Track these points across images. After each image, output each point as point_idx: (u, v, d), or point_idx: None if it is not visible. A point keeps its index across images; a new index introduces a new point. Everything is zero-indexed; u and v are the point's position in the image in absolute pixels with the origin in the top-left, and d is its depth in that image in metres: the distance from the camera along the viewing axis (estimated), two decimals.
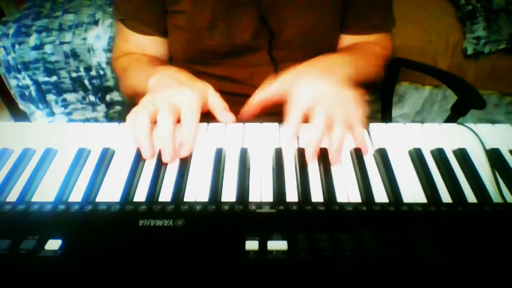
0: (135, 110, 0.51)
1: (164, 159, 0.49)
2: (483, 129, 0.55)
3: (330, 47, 0.76)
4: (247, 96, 0.75)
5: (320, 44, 0.74)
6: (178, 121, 0.51)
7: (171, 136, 0.49)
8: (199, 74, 0.74)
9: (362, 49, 0.73)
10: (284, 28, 0.68)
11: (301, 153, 0.50)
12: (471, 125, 0.55)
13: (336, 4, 0.70)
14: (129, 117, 0.51)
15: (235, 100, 0.76)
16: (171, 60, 0.79)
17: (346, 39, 0.76)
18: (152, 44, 0.74)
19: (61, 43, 1.34)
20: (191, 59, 0.74)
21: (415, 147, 0.51)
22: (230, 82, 0.75)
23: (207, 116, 0.56)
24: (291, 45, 0.71)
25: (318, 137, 0.49)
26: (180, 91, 0.52)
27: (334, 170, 0.48)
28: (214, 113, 0.56)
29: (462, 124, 0.56)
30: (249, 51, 0.71)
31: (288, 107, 0.52)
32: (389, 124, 0.56)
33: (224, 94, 0.75)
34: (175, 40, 0.73)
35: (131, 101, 0.73)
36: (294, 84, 0.53)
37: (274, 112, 0.55)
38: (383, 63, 0.76)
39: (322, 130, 0.49)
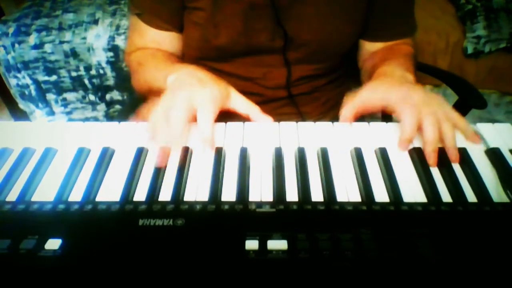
0: (157, 112, 0.52)
1: (173, 154, 0.50)
2: (483, 128, 0.55)
3: (344, 53, 0.76)
4: (258, 95, 0.76)
5: (336, 50, 0.74)
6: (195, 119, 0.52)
7: (180, 135, 0.50)
8: (211, 71, 0.74)
9: (400, 52, 0.73)
10: (301, 32, 0.68)
11: (301, 152, 0.50)
12: (471, 125, 0.55)
13: (356, 12, 0.70)
14: (150, 119, 0.52)
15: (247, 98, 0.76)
16: (183, 56, 0.79)
17: (375, 46, 0.77)
18: (168, 40, 0.74)
19: (61, 42, 1.34)
20: (205, 56, 0.74)
21: (415, 146, 0.51)
22: (242, 80, 0.75)
23: (228, 117, 0.56)
24: (307, 49, 0.71)
25: (436, 137, 0.49)
26: (200, 91, 0.53)
27: (334, 169, 0.48)
28: (250, 117, 0.57)
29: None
30: (264, 52, 0.71)
31: (399, 108, 0.52)
32: (389, 123, 0.56)
33: None
34: (191, 36, 0.72)
35: (143, 96, 0.73)
36: (390, 91, 0.54)
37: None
38: (415, 61, 0.76)
39: (437, 130, 0.50)
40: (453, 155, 0.50)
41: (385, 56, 0.71)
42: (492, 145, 0.52)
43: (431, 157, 0.49)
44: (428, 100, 0.52)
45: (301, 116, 0.79)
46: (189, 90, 0.53)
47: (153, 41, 0.73)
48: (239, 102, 0.57)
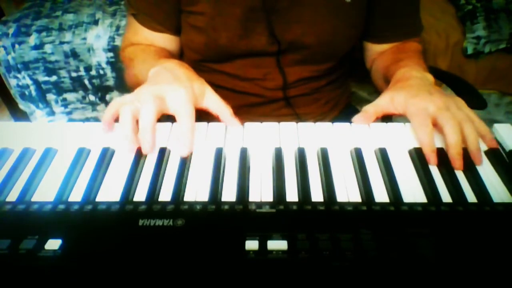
0: (118, 104, 0.51)
1: (144, 151, 0.49)
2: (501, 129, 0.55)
3: (341, 57, 0.76)
4: (258, 96, 0.76)
5: (335, 52, 0.74)
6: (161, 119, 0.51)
7: (151, 127, 0.48)
8: (212, 71, 0.74)
9: (411, 50, 0.73)
10: (300, 35, 0.68)
11: (301, 152, 0.50)
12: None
13: (355, 15, 0.70)
14: (110, 107, 0.51)
15: (245, 98, 0.76)
16: (182, 56, 0.79)
17: (382, 46, 0.77)
18: (162, 41, 0.74)
19: (61, 42, 1.34)
20: (205, 58, 0.74)
21: (415, 147, 0.51)
22: (242, 81, 0.75)
23: (202, 116, 0.55)
24: (306, 52, 0.71)
25: (459, 140, 0.48)
26: (171, 87, 0.52)
27: (334, 169, 0.48)
28: (220, 118, 0.55)
29: None
30: (262, 54, 0.71)
31: (414, 123, 0.52)
32: (389, 124, 0.56)
33: (235, 92, 0.75)
34: (191, 39, 0.73)
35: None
36: (409, 101, 0.53)
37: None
38: (424, 57, 0.76)
39: (459, 132, 0.49)
40: (477, 158, 0.49)
41: (397, 56, 0.71)
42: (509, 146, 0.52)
43: (457, 160, 0.48)
44: (447, 104, 0.52)
45: (298, 117, 0.79)
46: (160, 86, 0.52)
47: (147, 40, 0.74)
48: (212, 101, 0.56)
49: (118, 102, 0.51)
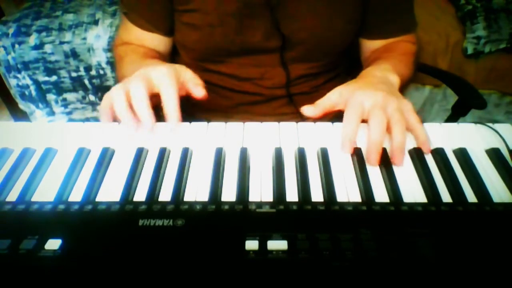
0: (109, 94, 0.52)
1: (146, 127, 0.50)
2: (483, 129, 0.55)
3: (341, 52, 0.76)
4: (257, 94, 0.76)
5: (332, 48, 0.74)
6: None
7: (144, 101, 0.50)
8: (209, 72, 0.74)
9: (397, 50, 0.73)
10: (297, 31, 0.68)
11: (301, 152, 0.50)
12: (471, 125, 0.55)
13: (352, 10, 0.70)
14: (104, 99, 0.52)
15: (244, 97, 0.76)
16: (174, 55, 0.80)
17: (376, 43, 0.77)
18: (151, 40, 0.74)
19: (61, 42, 1.34)
20: (202, 57, 0.74)
21: (415, 146, 0.51)
22: (240, 80, 0.75)
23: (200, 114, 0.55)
24: (303, 48, 0.71)
25: (377, 140, 0.48)
26: (154, 68, 0.54)
27: (334, 169, 0.48)
28: (187, 85, 0.57)
29: (478, 123, 0.56)
30: (261, 52, 0.71)
31: (345, 113, 0.52)
32: None
33: (234, 91, 0.75)
34: (187, 38, 0.73)
35: None
36: (352, 93, 0.53)
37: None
38: (416, 59, 0.76)
39: (382, 131, 0.48)
40: (395, 157, 0.49)
41: (379, 55, 0.71)
42: (492, 145, 0.52)
43: (368, 156, 0.48)
44: (386, 104, 0.51)
45: (300, 116, 0.79)
46: (146, 69, 0.54)
47: (137, 39, 0.74)
48: (188, 76, 0.58)
49: (109, 93, 0.52)
